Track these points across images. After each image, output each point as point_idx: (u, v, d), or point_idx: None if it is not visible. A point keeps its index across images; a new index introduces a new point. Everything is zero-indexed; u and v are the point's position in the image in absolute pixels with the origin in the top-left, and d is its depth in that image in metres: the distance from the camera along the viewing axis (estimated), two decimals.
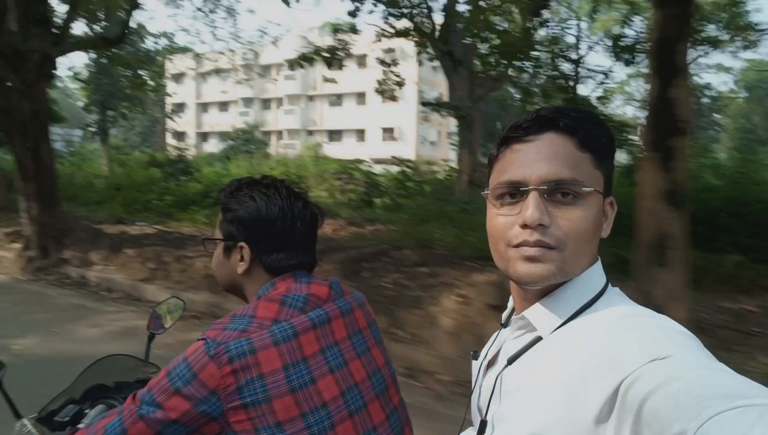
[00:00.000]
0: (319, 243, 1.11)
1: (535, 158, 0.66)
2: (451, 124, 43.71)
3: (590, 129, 0.67)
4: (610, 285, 0.70)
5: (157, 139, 42.08)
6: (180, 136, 43.87)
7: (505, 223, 0.67)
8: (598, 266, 0.70)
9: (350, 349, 0.98)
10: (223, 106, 45.84)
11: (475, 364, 0.83)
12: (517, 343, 0.72)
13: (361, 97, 40.82)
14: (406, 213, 10.23)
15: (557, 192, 0.65)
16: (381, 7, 13.88)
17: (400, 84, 16.46)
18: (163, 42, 27.39)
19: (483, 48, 14.11)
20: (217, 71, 44.25)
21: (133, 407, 0.86)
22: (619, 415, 0.52)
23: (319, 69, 41.58)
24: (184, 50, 31.22)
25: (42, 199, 7.26)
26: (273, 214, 1.00)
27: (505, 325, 0.80)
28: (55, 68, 6.95)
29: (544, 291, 0.69)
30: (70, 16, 7.06)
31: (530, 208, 0.64)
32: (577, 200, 0.65)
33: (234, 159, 22.46)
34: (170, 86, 36.02)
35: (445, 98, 16.11)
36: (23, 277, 7.18)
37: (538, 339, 0.68)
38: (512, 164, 0.68)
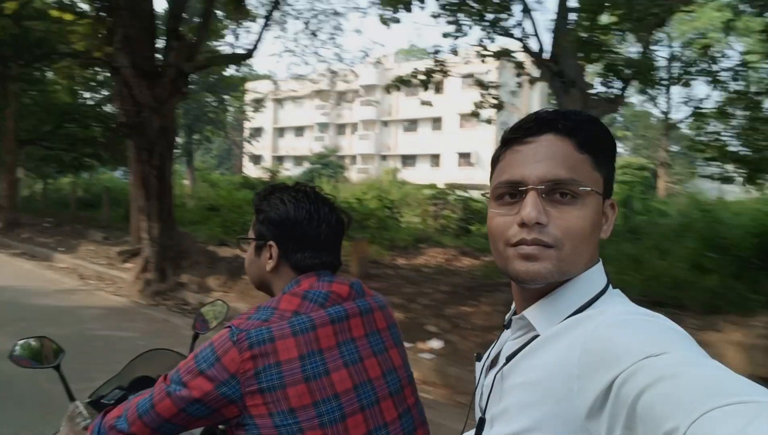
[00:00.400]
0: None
1: (533, 159, 0.67)
2: None
3: (590, 131, 0.68)
4: (611, 287, 0.71)
5: (234, 161, 43.54)
6: (257, 159, 45.27)
7: (504, 222, 0.68)
8: (599, 268, 0.71)
9: (367, 347, 1.02)
10: (299, 130, 46.84)
11: (478, 366, 0.84)
12: (516, 343, 0.72)
13: (436, 122, 40.34)
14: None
15: (555, 192, 0.66)
16: (475, 27, 13.25)
17: (499, 106, 15.54)
18: (245, 69, 28.45)
19: (599, 68, 13.04)
20: (295, 98, 46.22)
21: (163, 385, 0.93)
22: (612, 410, 0.52)
23: (396, 95, 41.98)
24: (265, 77, 32.18)
25: (163, 220, 6.96)
26: (300, 217, 1.06)
27: (507, 326, 0.79)
28: (187, 84, 6.70)
29: (544, 291, 0.69)
30: (202, 32, 6.83)
31: (528, 207, 0.65)
32: (575, 200, 0.66)
33: (318, 182, 22.36)
34: (249, 111, 37.33)
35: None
36: (143, 301, 6.85)
37: (536, 337, 0.68)
38: (511, 165, 0.69)
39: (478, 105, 15.50)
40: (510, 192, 0.69)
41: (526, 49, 12.75)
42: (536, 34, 12.95)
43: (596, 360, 0.56)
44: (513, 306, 0.80)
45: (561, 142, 0.68)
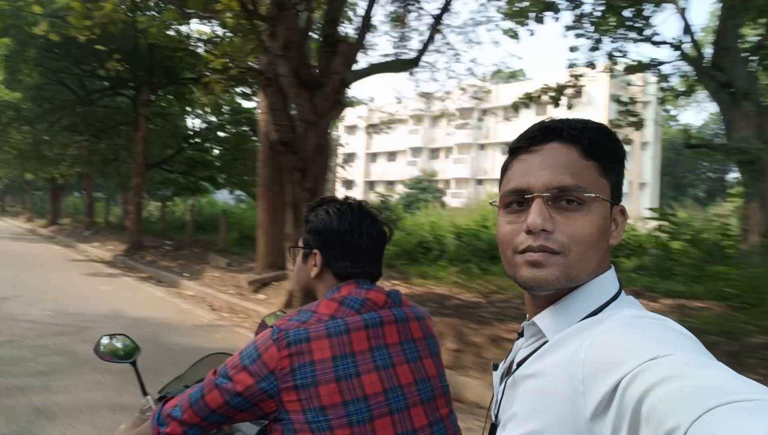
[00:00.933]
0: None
1: (539, 166, 0.68)
2: (646, 172, 38.98)
3: (594, 138, 0.68)
4: (623, 293, 0.70)
5: (328, 186, 44.03)
6: (349, 184, 45.51)
7: (512, 230, 0.69)
8: (611, 274, 0.71)
9: (400, 354, 1.05)
10: (392, 155, 46.58)
11: (495, 375, 0.84)
12: (528, 350, 0.73)
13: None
14: (711, 283, 7.45)
15: (562, 199, 0.67)
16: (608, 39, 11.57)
17: (638, 125, 13.54)
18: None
19: None
20: (392, 122, 46.09)
21: (212, 378, 1.00)
22: (617, 412, 0.52)
23: (493, 118, 40.48)
24: (361, 102, 32.19)
25: None
26: (342, 228, 1.12)
27: (521, 334, 0.80)
28: (346, 96, 5.87)
29: (554, 298, 0.70)
30: (362, 36, 6.02)
31: (533, 214, 0.66)
32: (581, 207, 0.67)
33: (422, 208, 21.22)
34: (343, 137, 37.55)
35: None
36: None
37: (546, 343, 0.69)
38: (518, 173, 0.70)
39: (615, 123, 13.72)
40: (517, 200, 0.70)
41: (684, 57, 10.99)
42: (693, 41, 11.17)
43: (601, 362, 0.56)
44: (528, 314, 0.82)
45: (566, 150, 0.68)
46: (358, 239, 1.12)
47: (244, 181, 14.75)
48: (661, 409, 0.46)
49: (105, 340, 1.44)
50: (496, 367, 0.85)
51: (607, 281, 0.69)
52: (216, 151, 15.41)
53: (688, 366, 0.49)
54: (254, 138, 13.06)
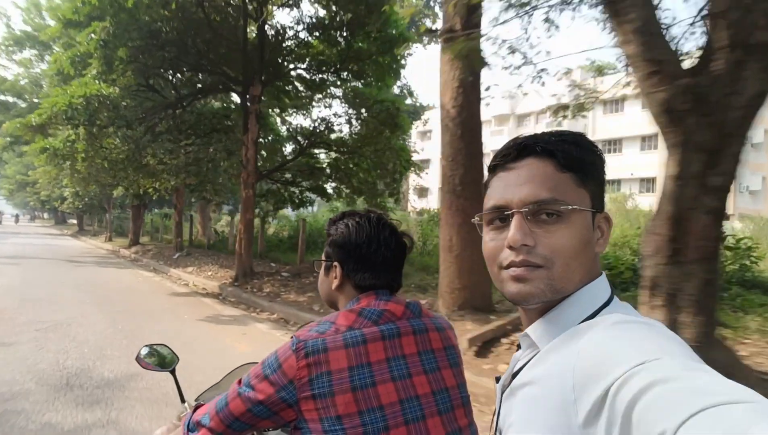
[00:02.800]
0: None
1: (516, 183, 0.70)
2: None
3: (569, 150, 0.69)
4: (616, 299, 0.70)
5: (401, 196, 41.19)
6: (423, 192, 42.57)
7: (495, 246, 0.71)
8: (601, 281, 0.70)
9: (417, 365, 1.05)
10: None
11: (497, 388, 0.84)
12: (524, 361, 0.74)
13: (647, 141, 33.86)
14: None
15: (540, 213, 0.68)
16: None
17: None
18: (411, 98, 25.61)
19: None
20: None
21: (236, 386, 1.03)
22: (608, 418, 0.52)
23: (594, 112, 36.51)
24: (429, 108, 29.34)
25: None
26: (360, 240, 1.13)
27: (519, 346, 0.81)
28: None
29: (545, 309, 0.70)
30: None
31: (513, 230, 0.67)
32: (561, 219, 0.67)
33: None
34: (415, 142, 34.75)
35: None
36: None
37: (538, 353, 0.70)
38: (497, 190, 0.72)
39: None
40: (499, 217, 0.71)
41: None
42: None
43: (591, 368, 0.56)
44: None
45: (541, 164, 0.69)
46: (376, 251, 1.13)
47: (368, 189, 11.98)
48: (650, 414, 0.46)
49: (145, 350, 1.48)
50: (498, 380, 0.84)
51: (597, 289, 0.69)
52: (331, 155, 12.70)
53: (676, 370, 0.49)
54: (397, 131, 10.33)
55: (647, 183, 32.75)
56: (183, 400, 1.44)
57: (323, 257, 1.21)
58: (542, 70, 10.09)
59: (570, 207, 0.67)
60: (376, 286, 1.13)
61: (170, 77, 10.76)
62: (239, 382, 1.03)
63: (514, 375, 0.73)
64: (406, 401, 1.00)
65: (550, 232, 0.67)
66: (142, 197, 17.56)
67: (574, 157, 0.69)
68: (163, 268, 14.02)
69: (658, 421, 0.44)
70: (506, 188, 0.70)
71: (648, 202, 24.74)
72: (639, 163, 33.08)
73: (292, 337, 1.01)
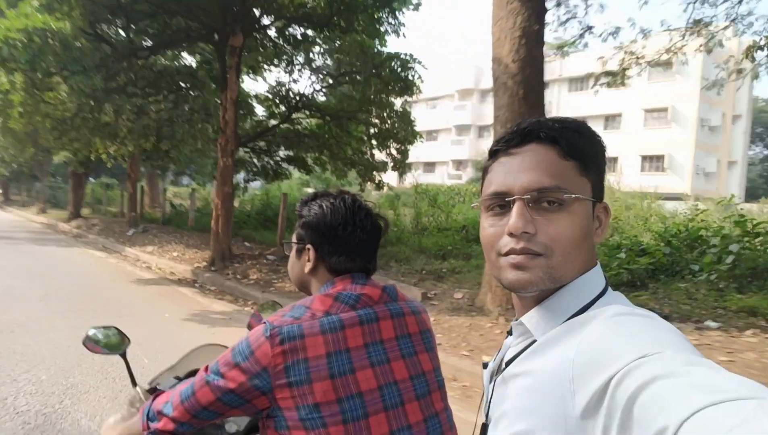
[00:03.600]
0: None
1: (518, 169, 0.68)
2: (736, 149, 34.85)
3: (573, 137, 0.68)
4: (610, 289, 0.70)
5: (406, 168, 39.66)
6: (429, 166, 41.30)
7: (494, 232, 0.69)
8: (596, 271, 0.70)
9: (395, 350, 1.03)
10: (432, 134, 42.21)
11: (485, 374, 0.84)
12: (517, 349, 0.73)
13: (611, 119, 33.99)
14: None
15: (542, 200, 0.66)
16: None
17: None
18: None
19: None
20: (434, 99, 41.91)
21: (203, 374, 0.98)
22: (607, 411, 0.51)
23: (558, 90, 36.16)
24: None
25: None
26: (335, 222, 1.09)
27: (510, 333, 0.80)
28: None
29: (541, 297, 0.69)
30: None
31: (514, 217, 0.66)
32: (562, 207, 0.66)
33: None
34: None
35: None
36: None
37: (533, 342, 0.69)
38: (498, 176, 0.70)
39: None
40: (499, 203, 0.69)
41: None
42: None
43: (591, 360, 0.56)
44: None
45: (545, 151, 0.68)
46: (352, 234, 1.09)
47: (363, 161, 10.61)
48: (651, 408, 0.46)
49: (92, 332, 1.40)
50: (486, 366, 0.84)
51: (593, 278, 0.69)
52: (313, 123, 11.17)
53: (678, 364, 0.49)
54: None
55: (609, 163, 33.11)
56: (135, 384, 1.36)
57: (294, 239, 1.16)
58: (589, 27, 9.04)
59: (573, 195, 0.66)
60: (352, 269, 1.10)
61: (124, 26, 8.74)
62: (206, 369, 0.99)
63: (507, 363, 0.72)
64: (384, 387, 0.98)
65: (551, 221, 0.66)
66: (88, 164, 15.20)
67: (577, 146, 0.68)
68: (115, 246, 12.12)
69: (661, 416, 0.44)
70: (508, 174, 0.69)
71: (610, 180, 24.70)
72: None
73: (264, 323, 0.97)
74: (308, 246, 1.12)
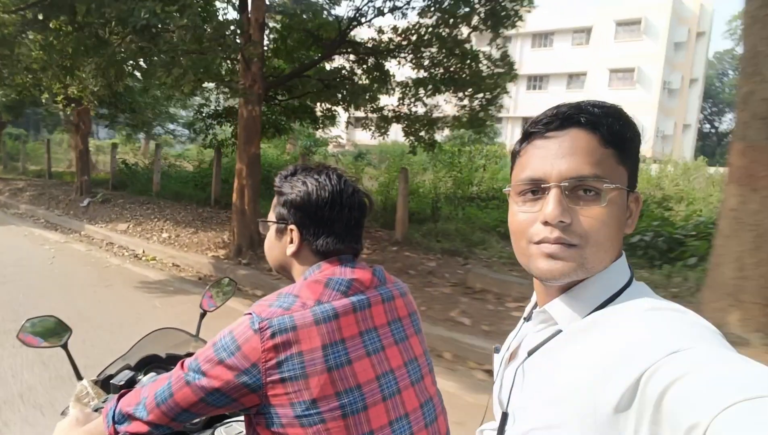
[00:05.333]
0: None
1: (556, 154, 0.65)
2: (691, 112, 35.46)
3: (613, 124, 0.65)
4: (635, 280, 0.69)
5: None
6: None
7: (526, 219, 0.67)
8: (623, 261, 0.69)
9: (389, 335, 0.98)
10: (537, 81, 39.45)
11: (497, 358, 0.83)
12: (538, 337, 0.72)
13: (575, 79, 33.31)
14: None
15: (579, 188, 0.64)
16: None
17: None
18: None
19: None
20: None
21: (181, 374, 0.89)
22: (639, 407, 0.51)
23: (519, 45, 34.67)
24: None
25: None
26: (323, 200, 1.01)
27: (527, 319, 0.79)
28: None
29: (566, 285, 0.68)
30: None
31: (550, 205, 0.63)
32: (599, 197, 0.64)
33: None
34: None
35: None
36: None
37: (559, 332, 0.68)
38: (533, 161, 0.67)
39: None
40: (532, 189, 0.67)
41: None
42: None
43: (622, 355, 0.55)
44: (533, 298, 0.80)
45: (584, 137, 0.65)
46: (340, 213, 1.02)
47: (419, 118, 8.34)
48: (682, 404, 0.45)
49: (29, 324, 1.28)
50: (498, 350, 0.83)
51: (619, 269, 0.67)
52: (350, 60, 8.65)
53: (710, 360, 0.48)
54: None
55: None
56: (80, 377, 1.27)
57: (274, 218, 1.06)
58: None
59: (612, 186, 0.64)
60: (339, 251, 1.02)
61: None
62: (182, 366, 0.91)
63: (530, 352, 0.71)
64: (382, 376, 0.93)
65: (587, 210, 0.64)
66: (18, 110, 11.42)
67: (617, 133, 0.65)
68: (69, 222, 9.11)
69: (691, 412, 0.44)
70: (545, 159, 0.66)
71: None
72: (572, 58, 32.48)
73: (250, 314, 0.88)
74: (291, 226, 1.02)
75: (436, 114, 8.33)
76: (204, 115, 10.12)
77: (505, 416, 0.72)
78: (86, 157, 10.59)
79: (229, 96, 8.66)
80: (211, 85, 9.68)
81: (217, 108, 10.27)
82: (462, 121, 7.77)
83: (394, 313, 1.01)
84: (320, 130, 10.71)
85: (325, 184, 1.02)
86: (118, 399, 0.97)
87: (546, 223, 0.64)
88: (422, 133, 8.48)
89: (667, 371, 0.49)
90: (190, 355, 1.19)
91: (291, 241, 1.03)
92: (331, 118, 10.05)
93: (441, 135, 10.84)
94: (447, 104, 8.09)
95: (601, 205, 0.63)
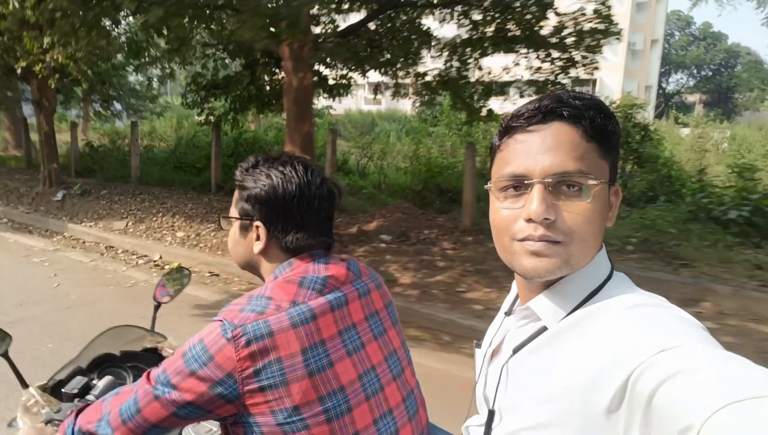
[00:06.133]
0: None
1: (539, 150, 0.64)
2: (652, 74, 35.82)
3: (595, 117, 0.64)
4: (615, 271, 0.69)
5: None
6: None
7: (509, 216, 0.66)
8: (603, 254, 0.69)
9: (367, 331, 0.95)
10: None
11: (479, 353, 0.83)
12: (521, 333, 0.72)
13: None
14: None
15: (562, 184, 0.63)
16: None
17: None
18: None
19: None
20: None
21: (147, 387, 0.84)
22: (629, 406, 0.51)
23: None
24: None
25: None
26: (290, 193, 0.95)
27: (508, 314, 0.79)
28: None
29: (549, 281, 0.67)
30: None
31: (535, 202, 0.62)
32: (582, 193, 0.63)
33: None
34: None
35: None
36: None
37: (543, 329, 0.68)
38: (515, 156, 0.66)
39: None
40: (514, 184, 0.66)
41: None
42: None
43: (611, 357, 0.55)
44: (513, 291, 0.80)
45: (567, 131, 0.64)
46: (309, 205, 0.95)
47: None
48: (674, 405, 0.45)
49: None
50: (479, 345, 0.83)
51: (601, 262, 0.68)
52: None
53: (697, 359, 0.48)
54: None
55: None
56: (26, 385, 1.19)
57: (237, 214, 0.99)
58: None
59: (596, 181, 0.63)
60: (310, 246, 0.96)
61: None
62: (149, 379, 0.85)
63: (515, 350, 0.70)
64: (364, 375, 0.90)
65: (571, 206, 0.63)
66: None
67: (599, 126, 0.64)
68: (44, 222, 7.38)
69: (683, 414, 0.44)
70: (527, 155, 0.65)
71: None
72: None
73: (221, 321, 0.83)
74: (257, 223, 0.96)
75: (503, 78, 7.20)
76: (200, 85, 8.51)
77: (491, 414, 0.72)
78: (53, 140, 8.64)
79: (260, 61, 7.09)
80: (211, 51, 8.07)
81: (215, 78, 8.67)
82: (541, 84, 6.70)
83: (371, 307, 0.97)
84: (334, 100, 9.28)
85: (291, 176, 0.95)
86: (77, 414, 0.93)
87: (530, 220, 0.63)
88: (476, 99, 7.35)
89: (656, 371, 0.49)
90: (147, 350, 1.28)
91: (257, 239, 0.96)
92: (345, 87, 8.72)
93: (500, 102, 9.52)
94: (516, 67, 6.97)
95: (585, 201, 0.63)
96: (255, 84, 8.56)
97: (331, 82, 8.50)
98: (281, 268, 0.94)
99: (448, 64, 7.16)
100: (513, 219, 0.65)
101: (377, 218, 6.46)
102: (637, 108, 10.28)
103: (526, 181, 0.64)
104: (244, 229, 0.98)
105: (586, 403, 0.56)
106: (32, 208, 8.11)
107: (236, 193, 1.00)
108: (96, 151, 11.10)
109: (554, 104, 0.64)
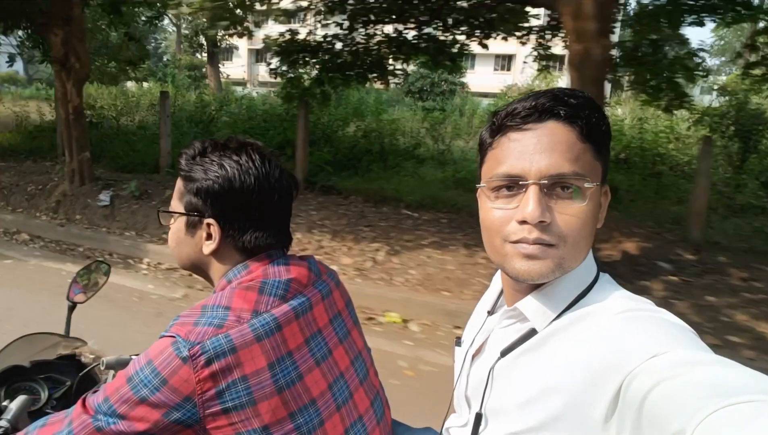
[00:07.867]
0: None
1: (534, 150, 0.62)
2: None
3: (590, 117, 0.63)
4: (601, 272, 0.69)
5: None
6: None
7: (501, 217, 0.64)
8: (590, 256, 0.68)
9: (333, 336, 0.89)
10: None
11: (459, 351, 0.80)
12: (507, 334, 0.70)
13: None
14: None
15: (557, 186, 0.62)
16: None
17: None
18: None
19: None
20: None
21: (86, 418, 0.73)
22: (620, 413, 0.51)
23: None
24: None
25: None
26: (248, 186, 0.84)
27: (491, 312, 0.77)
28: None
29: (539, 283, 0.66)
30: None
31: (531, 204, 0.61)
32: (577, 194, 0.62)
33: None
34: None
35: None
36: None
37: (532, 331, 0.66)
38: (510, 155, 0.64)
39: None
40: (508, 184, 0.64)
41: None
42: None
43: (604, 365, 0.55)
44: (494, 289, 0.79)
45: (563, 131, 0.62)
46: (268, 200, 0.85)
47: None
48: (665, 411, 0.45)
49: None
50: (459, 343, 0.80)
51: (588, 264, 0.67)
52: None
53: (687, 364, 0.48)
54: None
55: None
56: None
57: (180, 208, 0.87)
58: None
59: (592, 184, 0.62)
60: (269, 246, 0.86)
61: None
62: (84, 407, 0.73)
63: (503, 353, 0.69)
64: (334, 384, 0.84)
65: (566, 208, 0.62)
66: None
67: (594, 126, 0.63)
68: (100, 239, 5.08)
69: (674, 418, 0.43)
70: (522, 154, 0.63)
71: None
72: None
73: (173, 338, 0.72)
74: (209, 220, 0.84)
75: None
76: (290, 47, 6.34)
77: (478, 418, 0.71)
78: (83, 119, 6.08)
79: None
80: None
81: (306, 39, 6.52)
82: None
83: (333, 308, 0.91)
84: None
85: (249, 166, 0.84)
86: None
87: (524, 222, 0.62)
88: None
89: (646, 377, 0.49)
90: (63, 357, 1.13)
91: (209, 238, 0.85)
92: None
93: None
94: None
95: (579, 203, 0.62)
96: (350, 47, 6.55)
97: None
98: (235, 271, 0.84)
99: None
100: (506, 220, 0.63)
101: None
102: None
103: (521, 182, 0.62)
104: (192, 227, 0.86)
105: (580, 410, 0.55)
106: (60, 215, 5.69)
107: (180, 184, 0.87)
108: (95, 128, 8.43)
109: (551, 103, 0.62)
